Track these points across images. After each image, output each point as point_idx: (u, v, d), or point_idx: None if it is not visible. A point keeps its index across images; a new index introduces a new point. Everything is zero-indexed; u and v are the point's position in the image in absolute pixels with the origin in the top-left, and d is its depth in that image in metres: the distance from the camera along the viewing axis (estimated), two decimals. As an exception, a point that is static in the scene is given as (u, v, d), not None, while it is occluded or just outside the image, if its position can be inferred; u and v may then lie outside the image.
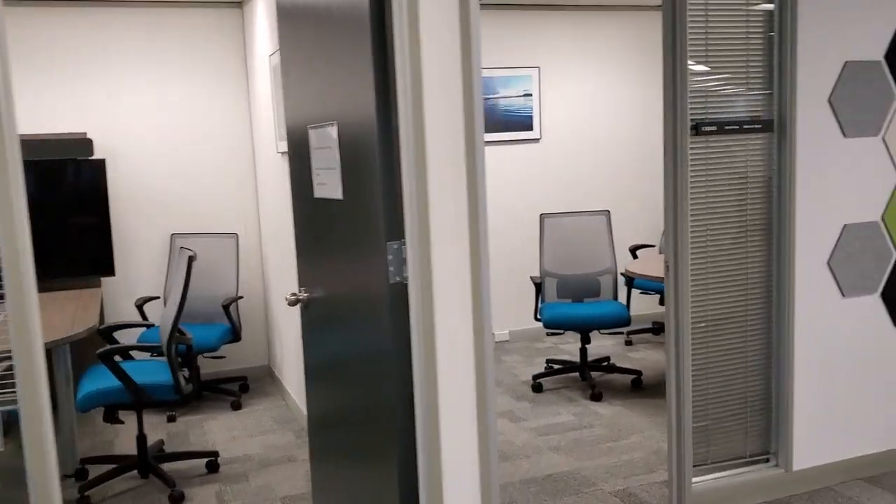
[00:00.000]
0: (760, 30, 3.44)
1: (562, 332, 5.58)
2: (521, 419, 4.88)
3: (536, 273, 6.59)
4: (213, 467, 4.22)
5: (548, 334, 5.73)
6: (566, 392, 5.38)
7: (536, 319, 5.38)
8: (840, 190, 3.59)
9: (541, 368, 5.95)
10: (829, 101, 3.52)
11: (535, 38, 6.48)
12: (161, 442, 4.45)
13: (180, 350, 4.00)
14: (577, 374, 5.69)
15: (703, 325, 3.52)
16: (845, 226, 3.62)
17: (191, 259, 3.88)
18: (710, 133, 3.40)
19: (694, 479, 3.55)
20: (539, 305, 5.44)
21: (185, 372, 4.04)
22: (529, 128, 6.47)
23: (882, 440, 3.83)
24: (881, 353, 3.78)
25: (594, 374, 5.72)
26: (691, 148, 3.38)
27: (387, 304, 2.43)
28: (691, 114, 3.37)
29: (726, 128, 3.42)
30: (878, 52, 3.58)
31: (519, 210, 6.66)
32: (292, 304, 3.13)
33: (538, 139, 6.51)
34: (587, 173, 6.79)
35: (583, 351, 5.48)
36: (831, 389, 3.71)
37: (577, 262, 5.62)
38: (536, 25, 6.51)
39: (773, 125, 3.50)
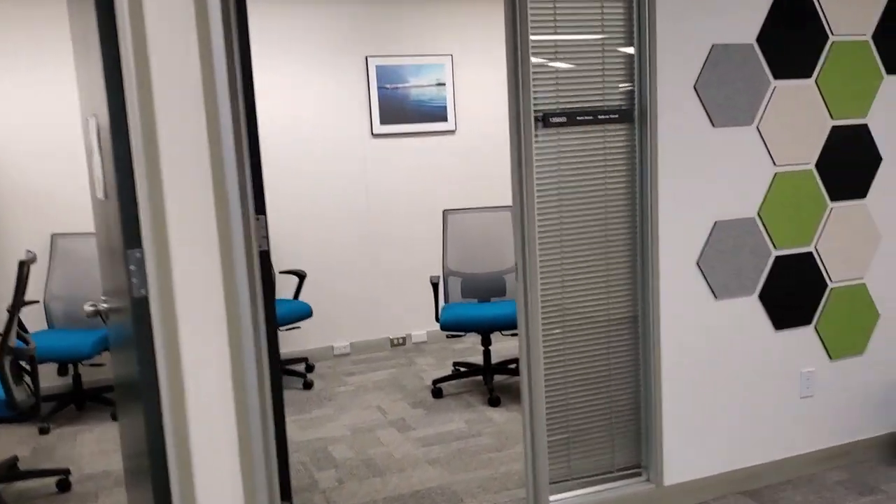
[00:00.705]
0: (620, 10, 3.17)
1: (462, 334, 5.31)
2: (410, 428, 4.62)
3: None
4: (64, 486, 3.96)
5: (448, 337, 5.47)
6: (467, 397, 5.12)
7: (438, 321, 5.11)
8: (710, 184, 3.32)
9: (450, 371, 5.69)
10: (695, 88, 3.25)
11: (447, 24, 6.20)
12: (15, 458, 4.17)
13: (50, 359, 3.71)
14: (481, 377, 5.43)
15: (558, 330, 3.26)
16: (716, 223, 3.35)
17: (23, 263, 3.59)
18: (560, 125, 3.12)
19: (553, 497, 3.30)
20: (440, 307, 5.18)
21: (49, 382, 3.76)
22: (444, 119, 6.18)
23: (762, 452, 3.58)
24: (761, 358, 3.52)
25: (500, 377, 5.46)
26: (541, 140, 3.11)
27: (132, 322, 2.15)
28: (542, 103, 3.10)
29: (578, 118, 3.14)
30: (749, 35, 3.31)
31: (438, 206, 6.38)
32: (90, 315, 2.85)
33: (453, 131, 6.23)
34: (505, 167, 6.52)
35: (486, 353, 5.21)
36: (705, 398, 3.45)
37: (482, 260, 5.35)
38: (448, 10, 6.21)
39: (634, 115, 3.22)
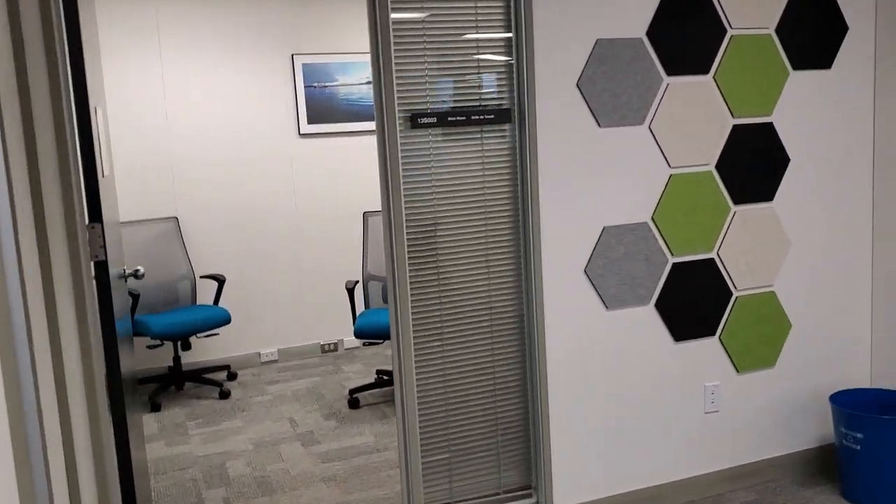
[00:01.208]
0: (496, 4, 2.95)
1: (380, 342, 5.11)
2: (315, 442, 4.41)
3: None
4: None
5: (364, 345, 5.25)
6: (383, 407, 4.91)
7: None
8: (597, 188, 3.11)
9: (373, 379, 5.48)
10: (578, 86, 3.03)
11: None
12: None
13: None
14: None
15: (436, 342, 3.04)
16: (605, 228, 3.14)
17: None
18: (431, 125, 2.91)
19: (429, 522, 3.09)
20: (356, 313, 4.98)
21: None
22: (373, 118, 5.95)
23: (663, 471, 3.37)
24: (660, 371, 3.31)
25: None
26: (410, 142, 2.90)
27: None
28: (412, 103, 2.88)
29: (450, 119, 2.92)
30: (638, 29, 3.09)
31: (367, 208, 6.17)
32: None
33: (385, 130, 5.99)
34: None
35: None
36: (600, 415, 3.24)
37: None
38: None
39: (513, 115, 3.01)
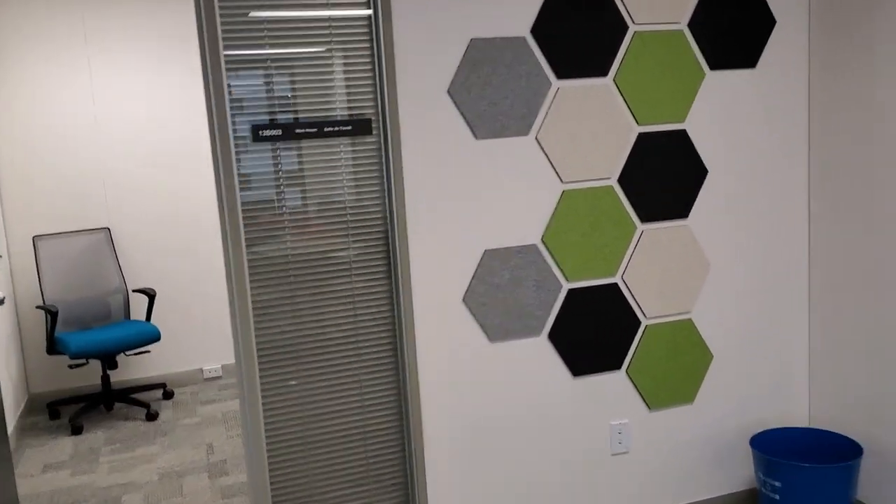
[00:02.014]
0: (352, 1, 2.62)
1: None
2: (224, 473, 4.14)
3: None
4: None
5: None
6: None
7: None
8: (476, 207, 2.77)
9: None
10: (449, 93, 2.68)
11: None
12: None
13: None
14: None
15: (293, 381, 2.72)
16: (486, 251, 2.79)
17: None
18: (276, 138, 2.58)
19: (286, 580, 2.77)
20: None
21: None
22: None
23: (555, 521, 3.01)
24: (558, 410, 2.97)
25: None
26: (252, 156, 2.59)
27: None
28: (257, 112, 2.56)
29: (298, 131, 2.59)
30: (521, 26, 2.73)
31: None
32: None
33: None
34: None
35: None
36: (488, 460, 2.91)
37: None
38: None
39: (374, 126, 2.67)
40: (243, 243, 2.61)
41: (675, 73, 2.94)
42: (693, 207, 3.04)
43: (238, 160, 2.58)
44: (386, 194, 2.73)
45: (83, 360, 5.13)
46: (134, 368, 5.54)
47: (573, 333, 2.94)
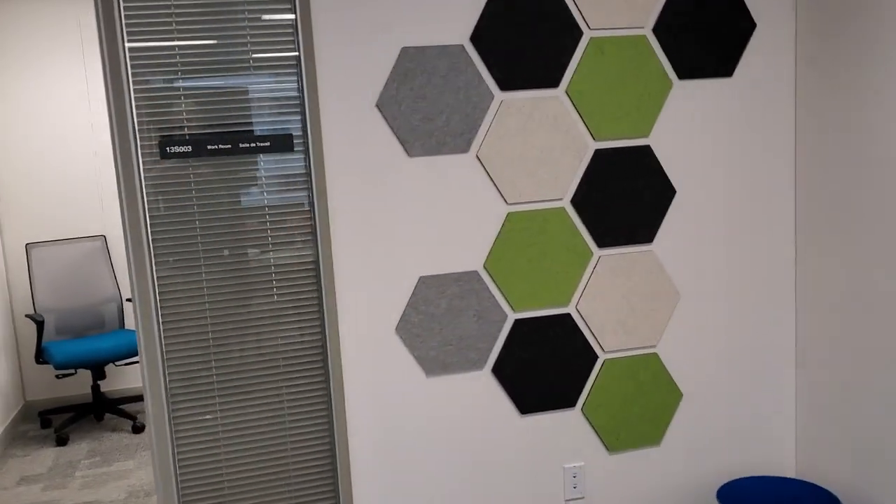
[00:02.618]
0: (273, 9, 2.43)
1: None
2: None
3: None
4: None
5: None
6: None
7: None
8: (410, 230, 2.55)
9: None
10: (378, 107, 2.46)
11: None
12: None
13: None
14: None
15: (208, 416, 2.55)
16: (421, 278, 2.56)
17: None
18: (185, 155, 2.41)
19: None
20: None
21: None
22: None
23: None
24: (502, 451, 2.73)
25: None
26: (160, 174, 2.42)
27: None
28: (167, 126, 2.39)
29: (210, 147, 2.41)
30: (459, 33, 2.50)
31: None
32: None
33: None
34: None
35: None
36: (407, 505, 2.68)
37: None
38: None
39: (296, 143, 2.48)
40: (152, 270, 2.43)
41: (638, 83, 2.66)
42: (659, 231, 2.75)
43: (145, 178, 2.41)
44: (312, 217, 2.52)
45: (71, 371, 5.07)
46: (129, 378, 5.47)
47: (521, 368, 2.69)
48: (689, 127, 2.72)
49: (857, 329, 2.58)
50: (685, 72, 2.70)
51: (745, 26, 2.73)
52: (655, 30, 2.66)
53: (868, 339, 2.54)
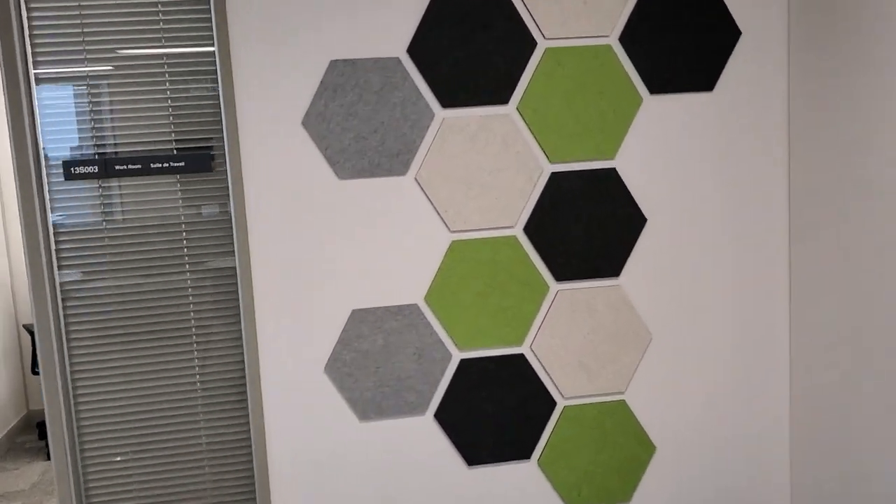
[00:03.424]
0: (190, 17, 2.23)
1: None
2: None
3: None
4: None
5: None
6: None
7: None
8: (341, 259, 2.32)
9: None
10: (304, 125, 2.24)
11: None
12: None
13: None
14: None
15: (118, 458, 2.36)
16: (354, 312, 2.33)
17: None
18: (91, 176, 2.23)
19: None
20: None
21: None
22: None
23: None
24: (443, 504, 2.46)
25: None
26: (66, 195, 2.25)
27: None
28: (72, 145, 2.23)
29: (118, 168, 2.23)
30: (395, 44, 2.26)
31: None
32: None
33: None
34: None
35: None
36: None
37: None
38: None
39: (214, 163, 2.27)
40: (61, 308, 2.26)
41: (602, 99, 2.36)
42: (627, 264, 2.45)
43: (49, 200, 2.23)
44: (233, 244, 2.31)
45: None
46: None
47: (467, 413, 2.42)
48: (662, 147, 2.42)
49: (858, 379, 2.24)
50: (657, 85, 2.40)
51: (728, 35, 2.41)
52: (622, 38, 2.36)
53: (870, 394, 2.20)
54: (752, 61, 2.43)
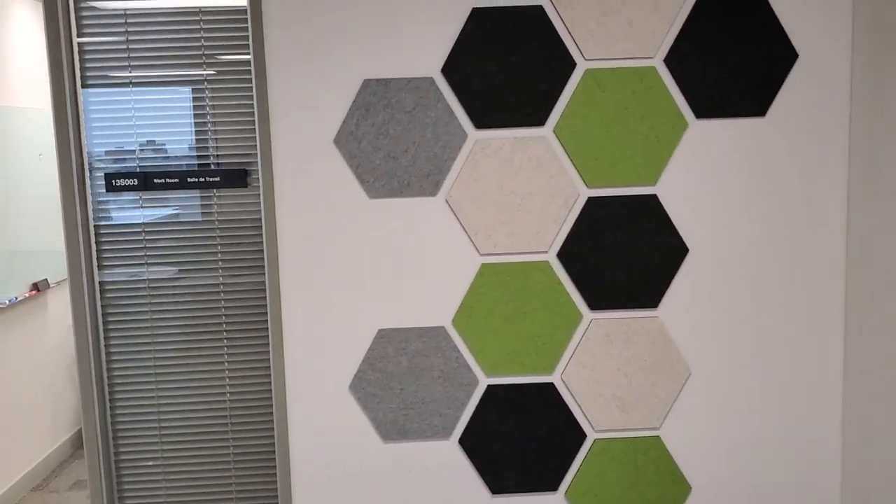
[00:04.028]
0: (229, 35, 2.29)
1: None
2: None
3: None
4: None
5: None
6: None
7: None
8: (369, 278, 2.33)
9: None
10: (336, 143, 2.26)
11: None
12: None
13: None
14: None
15: (150, 462, 2.44)
16: (380, 331, 2.33)
17: None
18: (131, 188, 2.31)
19: None
20: None
21: None
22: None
23: None
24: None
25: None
26: (108, 207, 2.33)
27: None
28: (116, 157, 2.32)
29: (157, 181, 2.30)
30: (429, 64, 2.25)
31: None
32: None
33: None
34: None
35: None
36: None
37: None
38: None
39: (247, 179, 2.32)
40: (98, 310, 2.33)
41: (644, 123, 2.28)
42: (666, 295, 2.35)
43: (94, 209, 2.31)
44: (265, 260, 2.34)
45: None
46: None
47: (493, 440, 2.38)
48: (708, 175, 2.30)
49: None
50: (704, 110, 2.29)
51: (784, 57, 2.28)
52: (668, 60, 2.27)
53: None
54: (810, 86, 2.29)
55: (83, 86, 2.26)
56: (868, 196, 2.23)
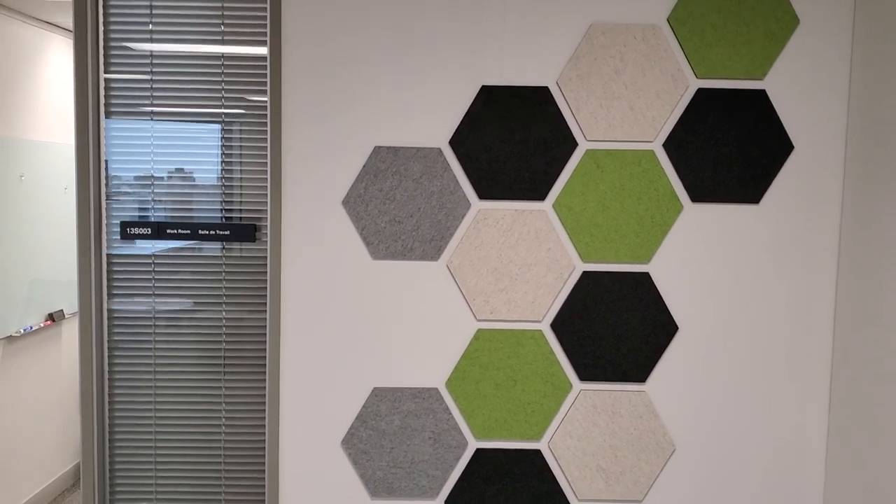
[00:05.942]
0: (247, 93, 2.41)
1: None
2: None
3: None
4: None
5: None
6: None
7: None
8: (367, 336, 2.41)
9: None
10: (344, 204, 2.36)
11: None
12: None
13: None
14: None
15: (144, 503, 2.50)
16: (375, 390, 2.40)
17: None
18: (144, 237, 2.41)
19: None
20: None
21: None
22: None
23: None
24: None
25: None
26: (122, 256, 2.42)
27: None
28: (134, 206, 2.42)
29: (169, 231, 2.40)
30: (438, 135, 2.35)
31: None
32: None
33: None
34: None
35: None
36: None
37: None
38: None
39: (255, 234, 2.42)
40: (104, 344, 2.42)
41: (640, 204, 2.37)
42: (654, 371, 2.41)
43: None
44: (266, 315, 2.42)
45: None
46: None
47: (479, 503, 2.42)
48: (700, 257, 2.38)
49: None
50: (700, 194, 2.38)
51: (780, 148, 2.37)
52: (666, 145, 2.36)
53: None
54: (804, 177, 2.38)
55: (107, 116, 2.38)
56: (856, 286, 2.29)
